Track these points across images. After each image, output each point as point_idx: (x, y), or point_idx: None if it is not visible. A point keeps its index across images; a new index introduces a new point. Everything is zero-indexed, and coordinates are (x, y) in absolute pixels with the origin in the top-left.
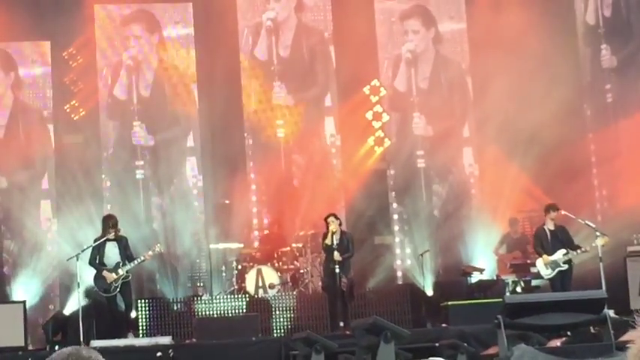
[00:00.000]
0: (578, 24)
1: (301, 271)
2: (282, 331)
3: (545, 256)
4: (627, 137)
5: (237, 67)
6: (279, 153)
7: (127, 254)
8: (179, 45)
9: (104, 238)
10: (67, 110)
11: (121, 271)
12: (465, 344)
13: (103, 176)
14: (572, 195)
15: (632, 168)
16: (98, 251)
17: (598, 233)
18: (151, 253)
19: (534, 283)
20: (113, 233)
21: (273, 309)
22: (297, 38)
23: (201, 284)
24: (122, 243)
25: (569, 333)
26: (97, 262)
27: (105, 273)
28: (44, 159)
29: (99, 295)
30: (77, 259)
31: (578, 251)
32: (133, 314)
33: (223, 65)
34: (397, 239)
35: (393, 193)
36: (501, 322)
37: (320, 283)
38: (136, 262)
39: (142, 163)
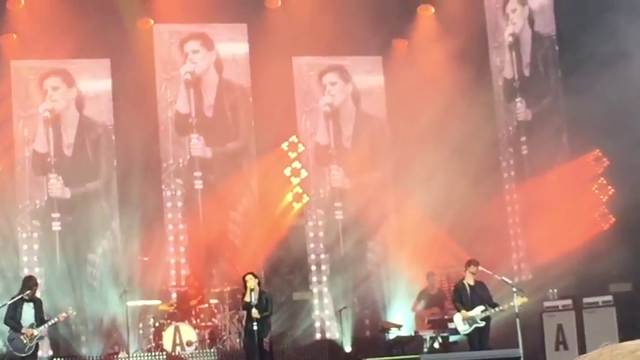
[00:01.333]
0: (494, 79)
1: (219, 328)
2: None
3: (463, 311)
4: (542, 192)
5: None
6: (197, 206)
7: (40, 316)
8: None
9: (18, 297)
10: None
11: (35, 332)
12: None
13: (19, 229)
14: (490, 252)
15: (549, 222)
16: (15, 310)
17: (515, 290)
18: (64, 314)
19: (452, 339)
20: (30, 294)
21: None
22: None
23: (118, 342)
24: (37, 304)
25: None
26: (14, 322)
27: (25, 330)
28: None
29: (12, 355)
30: None
31: (497, 309)
32: None
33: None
34: (315, 296)
35: (312, 246)
36: None
37: (239, 341)
38: (49, 323)
39: (57, 215)
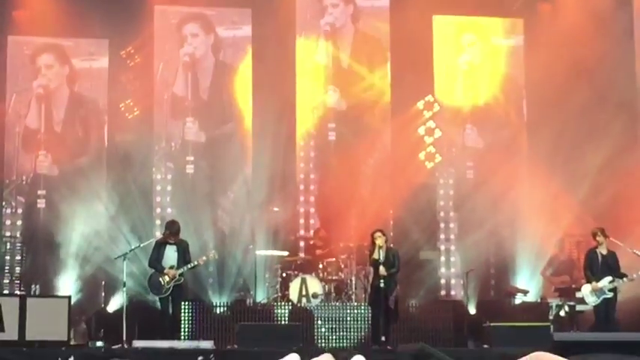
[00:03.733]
0: (636, 27)
1: (345, 282)
2: (323, 341)
3: (593, 282)
4: None
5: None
6: (329, 158)
7: (185, 259)
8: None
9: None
10: (122, 109)
11: (175, 273)
12: None
13: (154, 169)
14: (623, 223)
15: None
16: (158, 253)
17: None
18: (205, 258)
19: (578, 308)
20: (175, 239)
21: (316, 319)
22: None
23: (246, 290)
24: (182, 246)
25: None
26: (155, 264)
27: (157, 277)
28: (97, 150)
29: (144, 295)
30: (124, 259)
31: (625, 279)
32: None
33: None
34: (442, 254)
35: (442, 204)
36: None
37: (364, 297)
38: (189, 266)
39: (192, 158)
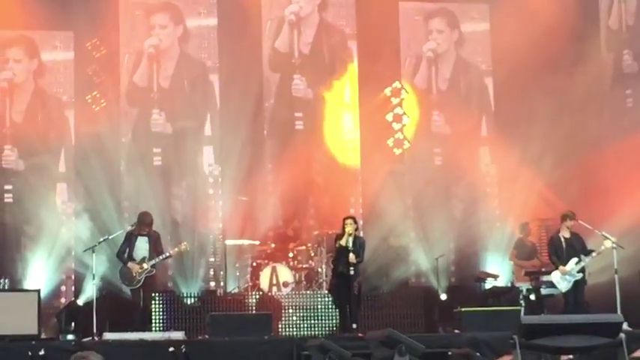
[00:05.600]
0: (602, 28)
1: (315, 270)
2: (295, 329)
3: (561, 267)
4: None
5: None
6: (297, 146)
7: (157, 250)
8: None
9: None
10: (89, 100)
11: (146, 265)
12: (478, 353)
13: (122, 162)
14: (589, 206)
15: None
16: (129, 245)
17: (615, 246)
18: (176, 249)
19: (548, 292)
20: (147, 230)
21: (286, 307)
22: (318, 35)
23: (216, 280)
24: (153, 238)
25: None
26: (126, 255)
27: (130, 265)
28: (62, 144)
29: (115, 287)
30: (93, 251)
31: (593, 255)
32: None
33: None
34: (412, 241)
35: (411, 192)
36: (517, 342)
37: (324, 284)
38: (161, 257)
39: (159, 150)
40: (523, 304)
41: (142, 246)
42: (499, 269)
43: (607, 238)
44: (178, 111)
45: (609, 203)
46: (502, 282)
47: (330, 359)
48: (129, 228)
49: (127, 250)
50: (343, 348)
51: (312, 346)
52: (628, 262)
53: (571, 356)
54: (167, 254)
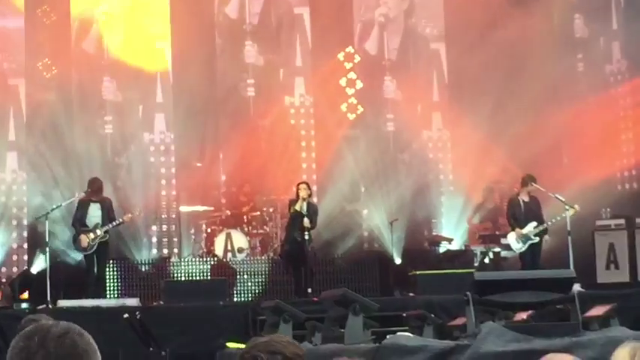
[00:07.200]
0: None
1: (270, 236)
2: (249, 295)
3: (517, 229)
4: (596, 110)
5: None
6: (249, 113)
7: (109, 216)
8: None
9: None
10: (40, 67)
11: (99, 232)
12: (432, 315)
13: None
14: (541, 169)
15: (600, 142)
16: (82, 212)
17: (567, 207)
18: (130, 215)
19: (503, 254)
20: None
21: (241, 273)
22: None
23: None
24: (106, 204)
25: None
26: (79, 223)
27: (81, 236)
28: (11, 112)
29: (67, 255)
30: (46, 218)
31: (551, 222)
32: None
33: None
34: (366, 206)
35: (364, 157)
36: (470, 299)
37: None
38: (114, 223)
39: (110, 118)
40: (477, 267)
41: (94, 213)
42: (453, 233)
43: (565, 203)
44: (130, 79)
45: (562, 166)
46: (456, 246)
47: (284, 320)
48: (80, 195)
49: (80, 217)
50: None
51: (266, 308)
52: (580, 224)
53: (525, 316)
54: (120, 220)
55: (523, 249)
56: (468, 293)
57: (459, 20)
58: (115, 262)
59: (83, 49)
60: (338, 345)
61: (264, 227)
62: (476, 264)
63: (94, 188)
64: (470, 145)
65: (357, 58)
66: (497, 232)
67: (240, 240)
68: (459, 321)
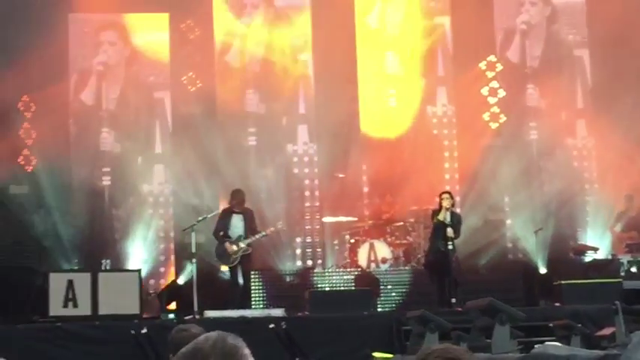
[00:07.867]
0: None
1: (414, 246)
2: (393, 305)
3: None
4: None
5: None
6: (390, 123)
7: (251, 227)
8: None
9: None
10: (184, 81)
11: (242, 244)
12: (579, 325)
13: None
14: None
15: None
16: (224, 223)
17: None
18: (272, 229)
19: None
20: (241, 207)
21: (385, 283)
22: None
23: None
24: (248, 215)
25: None
26: (222, 234)
27: (227, 245)
28: (157, 125)
29: (213, 266)
30: (192, 230)
31: None
32: None
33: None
34: (510, 216)
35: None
36: (619, 308)
37: (423, 260)
38: (257, 236)
39: (253, 130)
40: (624, 276)
41: (237, 224)
42: (598, 242)
43: None
44: (273, 91)
45: None
46: (602, 255)
47: (431, 330)
48: (224, 207)
49: (223, 229)
50: None
51: (411, 318)
52: None
53: None
54: (264, 233)
55: None
56: (617, 302)
57: (601, 25)
58: (259, 272)
59: (226, 62)
60: (485, 355)
61: (407, 237)
62: (622, 273)
63: (237, 199)
64: (615, 152)
65: (499, 67)
66: None
67: (383, 250)
68: (607, 331)
